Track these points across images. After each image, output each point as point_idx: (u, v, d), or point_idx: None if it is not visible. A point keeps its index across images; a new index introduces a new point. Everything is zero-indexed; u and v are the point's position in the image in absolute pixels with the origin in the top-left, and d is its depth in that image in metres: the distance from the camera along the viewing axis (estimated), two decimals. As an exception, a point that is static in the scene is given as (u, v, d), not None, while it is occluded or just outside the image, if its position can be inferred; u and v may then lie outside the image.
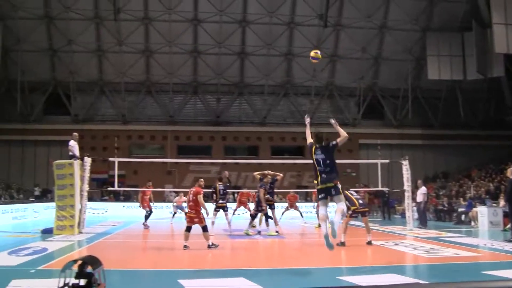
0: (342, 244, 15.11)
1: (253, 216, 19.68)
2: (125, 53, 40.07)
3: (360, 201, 16.00)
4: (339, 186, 11.46)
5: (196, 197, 14.71)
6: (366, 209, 16.32)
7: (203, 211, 14.81)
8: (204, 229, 14.63)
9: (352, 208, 15.59)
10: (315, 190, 11.79)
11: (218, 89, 42.41)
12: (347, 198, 15.67)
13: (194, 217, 14.63)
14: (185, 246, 14.30)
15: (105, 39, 39.72)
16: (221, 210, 19.69)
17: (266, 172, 19.78)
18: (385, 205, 32.00)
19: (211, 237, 14.81)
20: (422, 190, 24.37)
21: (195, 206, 14.70)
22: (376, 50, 41.57)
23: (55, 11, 37.96)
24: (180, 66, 41.01)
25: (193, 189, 15.08)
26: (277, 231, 19.20)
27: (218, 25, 39.19)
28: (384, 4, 39.29)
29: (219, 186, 19.57)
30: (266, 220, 19.04)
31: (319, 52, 14.00)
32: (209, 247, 14.35)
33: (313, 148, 11.94)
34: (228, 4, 38.17)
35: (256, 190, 20.69)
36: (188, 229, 14.71)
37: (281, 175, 20.21)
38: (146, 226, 23.07)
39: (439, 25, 39.66)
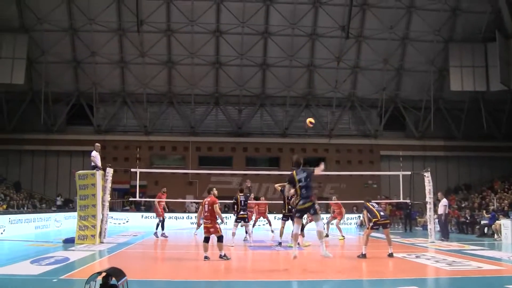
0: (363, 256, 15.03)
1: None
2: (148, 65, 40.33)
3: (382, 213, 15.87)
4: (316, 205, 12.96)
5: (212, 207, 14.66)
6: (388, 221, 16.17)
7: (218, 220, 14.81)
8: (220, 239, 14.62)
9: (374, 220, 15.52)
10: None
11: (239, 100, 42.46)
12: (369, 210, 15.63)
13: (210, 227, 14.61)
14: (206, 257, 14.29)
15: (128, 51, 40.07)
16: (242, 221, 19.67)
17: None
18: (407, 217, 31.72)
19: (230, 248, 14.77)
20: (443, 202, 24.11)
21: (210, 216, 14.65)
22: (398, 61, 41.39)
23: (79, 23, 38.41)
24: (202, 78, 41.18)
25: (208, 199, 15.02)
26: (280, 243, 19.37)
27: (240, 36, 39.31)
28: (406, 15, 39.15)
29: (240, 197, 19.56)
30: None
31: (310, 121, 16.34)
32: (220, 257, 14.33)
33: (294, 172, 12.85)
34: (250, 15, 38.29)
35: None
36: (207, 239, 14.71)
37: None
38: (164, 236, 23.15)
39: (462, 36, 39.43)
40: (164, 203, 24.17)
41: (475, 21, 38.62)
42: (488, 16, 37.91)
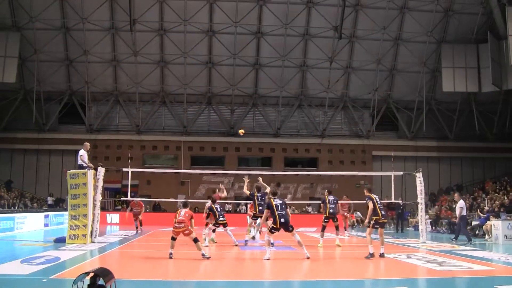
0: (372, 255, 14.94)
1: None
2: (140, 64, 40.26)
3: (383, 212, 15.75)
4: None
5: (190, 218, 15.04)
6: (386, 221, 16.13)
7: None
8: (195, 240, 14.75)
9: (375, 218, 15.40)
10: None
11: (232, 100, 42.41)
12: (373, 204, 15.45)
13: (184, 230, 14.85)
14: (171, 254, 14.76)
15: (120, 50, 40.01)
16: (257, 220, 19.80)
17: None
18: (399, 218, 31.76)
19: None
20: (460, 204, 22.64)
21: (185, 221, 14.87)
22: (390, 62, 41.50)
23: (71, 21, 38.32)
24: (195, 77, 41.14)
25: (187, 209, 15.35)
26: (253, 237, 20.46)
27: (233, 36, 39.29)
28: (399, 16, 39.26)
29: (258, 194, 19.43)
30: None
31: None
32: (203, 256, 14.47)
33: (272, 200, 15.01)
34: (243, 15, 38.29)
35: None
36: (174, 238, 15.02)
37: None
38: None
39: (454, 37, 39.59)
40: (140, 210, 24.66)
41: (467, 22, 38.83)
42: (480, 18, 38.12)
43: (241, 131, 20.70)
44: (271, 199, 14.98)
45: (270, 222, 15.75)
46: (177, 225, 14.86)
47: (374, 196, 15.69)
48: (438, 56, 40.61)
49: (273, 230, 14.84)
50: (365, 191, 16.22)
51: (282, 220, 14.56)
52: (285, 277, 12.23)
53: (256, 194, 19.28)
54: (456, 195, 24.56)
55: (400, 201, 27.43)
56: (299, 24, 39.33)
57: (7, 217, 25.52)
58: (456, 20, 39.06)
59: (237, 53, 39.98)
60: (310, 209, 40.16)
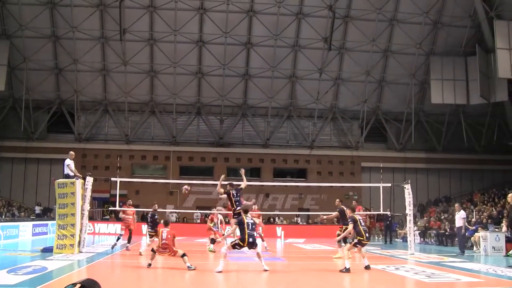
0: (347, 270, 14.87)
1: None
2: (130, 73, 40.24)
3: (367, 234, 15.67)
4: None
5: (173, 238, 15.09)
6: (368, 242, 16.05)
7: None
8: (183, 255, 14.72)
9: (359, 238, 15.30)
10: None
11: (221, 111, 42.43)
12: (355, 225, 15.35)
13: (169, 254, 14.99)
14: (149, 264, 14.92)
15: (110, 59, 39.97)
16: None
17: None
18: (388, 229, 31.73)
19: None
20: (461, 214, 22.65)
21: (169, 245, 14.93)
22: (380, 73, 41.73)
23: (61, 30, 38.29)
24: (184, 87, 41.16)
25: (168, 229, 15.26)
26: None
27: (223, 46, 39.37)
28: (388, 28, 39.52)
29: (233, 191, 19.29)
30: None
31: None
32: (189, 268, 14.37)
33: (244, 218, 14.83)
34: (233, 26, 38.41)
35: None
36: (154, 250, 15.14)
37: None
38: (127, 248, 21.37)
39: (443, 50, 39.93)
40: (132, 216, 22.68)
41: (456, 35, 39.18)
42: (468, 31, 38.50)
43: (185, 188, 21.37)
44: (244, 216, 14.91)
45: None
46: (162, 250, 14.93)
47: (357, 217, 15.58)
48: (427, 68, 40.87)
49: (237, 247, 14.56)
50: (348, 211, 16.26)
51: (251, 240, 14.38)
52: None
53: (231, 192, 19.10)
54: (456, 205, 24.36)
55: (388, 213, 27.37)
56: (289, 35, 39.47)
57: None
58: (445, 33, 39.38)
59: (226, 64, 40.07)
60: (299, 220, 40.18)
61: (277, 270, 15.62)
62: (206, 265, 16.52)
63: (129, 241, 21.65)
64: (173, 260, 15.26)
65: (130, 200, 22.65)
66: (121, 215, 22.77)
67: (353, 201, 27.86)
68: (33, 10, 36.82)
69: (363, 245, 15.60)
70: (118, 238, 22.05)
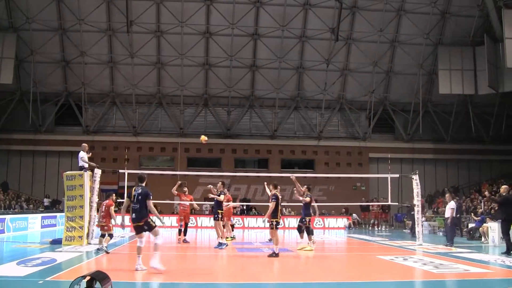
0: (277, 255, 15.68)
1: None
2: (137, 65, 40.24)
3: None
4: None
5: (108, 208, 16.88)
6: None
7: (112, 221, 16.98)
8: (110, 236, 16.93)
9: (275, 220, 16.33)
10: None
11: (229, 102, 42.38)
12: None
13: (104, 225, 16.83)
14: (99, 249, 16.48)
15: (117, 51, 39.98)
16: None
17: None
18: (413, 220, 30.86)
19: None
20: (451, 204, 22.20)
21: (105, 216, 16.85)
22: (387, 64, 41.56)
23: (68, 23, 38.29)
24: (191, 79, 41.13)
25: (106, 201, 17.10)
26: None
27: (230, 38, 39.29)
28: (396, 18, 39.32)
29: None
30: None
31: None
32: (97, 249, 16.30)
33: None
34: (240, 17, 38.31)
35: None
36: (103, 235, 16.75)
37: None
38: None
39: (451, 39, 39.68)
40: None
41: (464, 25, 38.89)
42: (476, 20, 38.18)
43: (203, 138, 21.19)
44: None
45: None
46: (101, 220, 17.29)
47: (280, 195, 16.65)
48: (434, 58, 40.66)
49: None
50: (271, 187, 17.02)
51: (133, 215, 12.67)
52: (278, 280, 12.21)
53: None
54: (447, 195, 24.21)
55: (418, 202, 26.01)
56: (296, 26, 39.35)
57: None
58: (452, 23, 39.12)
59: (234, 55, 39.98)
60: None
61: (285, 261, 15.64)
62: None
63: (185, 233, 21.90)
64: (180, 251, 15.25)
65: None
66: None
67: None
68: (40, 3, 36.79)
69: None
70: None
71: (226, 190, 23.43)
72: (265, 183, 19.44)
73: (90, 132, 41.45)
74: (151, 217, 12.59)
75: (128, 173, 21.89)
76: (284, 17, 38.53)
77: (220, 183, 19.96)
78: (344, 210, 38.06)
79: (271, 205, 16.09)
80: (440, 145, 43.15)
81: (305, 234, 19.27)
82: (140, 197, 12.42)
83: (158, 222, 13.17)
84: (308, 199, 18.78)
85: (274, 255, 15.67)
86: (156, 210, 12.75)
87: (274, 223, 16.14)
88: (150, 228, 12.45)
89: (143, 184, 12.95)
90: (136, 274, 11.96)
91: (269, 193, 18.65)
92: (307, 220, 19.07)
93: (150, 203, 12.47)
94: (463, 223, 28.41)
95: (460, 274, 12.63)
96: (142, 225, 12.36)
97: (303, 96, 42.88)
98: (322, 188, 41.79)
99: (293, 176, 20.20)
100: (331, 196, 39.96)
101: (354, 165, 42.81)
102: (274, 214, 16.13)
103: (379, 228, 35.14)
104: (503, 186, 19.27)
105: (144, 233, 12.47)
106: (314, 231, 23.14)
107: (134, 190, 12.73)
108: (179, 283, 11.50)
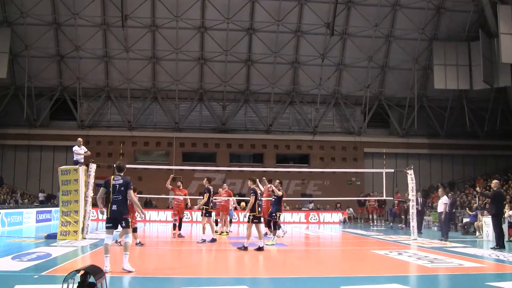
0: (245, 248, 15.81)
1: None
2: (132, 60, 40.16)
3: (259, 209, 16.77)
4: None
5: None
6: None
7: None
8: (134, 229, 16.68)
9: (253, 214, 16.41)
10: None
11: (224, 96, 42.35)
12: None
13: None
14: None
15: (112, 46, 39.87)
16: None
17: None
18: (419, 216, 30.81)
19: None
20: (444, 199, 22.38)
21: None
22: (382, 59, 41.61)
23: (63, 17, 38.17)
24: (187, 73, 41.09)
25: None
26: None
27: (225, 32, 39.24)
28: (391, 13, 39.34)
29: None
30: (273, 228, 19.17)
31: None
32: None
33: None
34: (235, 11, 38.26)
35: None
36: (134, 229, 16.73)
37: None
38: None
39: (446, 35, 39.74)
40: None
41: (459, 20, 38.96)
42: (471, 15, 38.29)
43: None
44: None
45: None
46: None
47: (258, 190, 16.87)
48: (430, 54, 40.72)
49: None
50: (249, 182, 17.23)
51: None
52: (274, 274, 12.23)
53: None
54: (440, 190, 24.35)
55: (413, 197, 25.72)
56: (291, 21, 39.32)
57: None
58: (447, 18, 39.18)
59: (229, 50, 39.95)
60: (311, 206, 39.94)
61: (279, 255, 15.66)
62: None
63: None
64: (174, 246, 15.28)
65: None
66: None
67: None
68: (34, -3, 36.71)
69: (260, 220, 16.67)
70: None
71: (225, 185, 23.65)
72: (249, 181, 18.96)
73: (85, 127, 41.36)
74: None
75: (123, 168, 21.82)
76: (280, 11, 38.49)
77: (205, 179, 19.83)
78: (339, 205, 38.00)
79: (251, 199, 16.19)
80: (435, 140, 43.22)
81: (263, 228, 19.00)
82: (122, 187, 11.95)
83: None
84: (281, 193, 18.74)
85: (243, 248, 15.80)
86: (137, 201, 12.56)
87: (251, 217, 16.29)
88: (127, 225, 12.17)
89: (122, 174, 12.37)
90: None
91: (262, 189, 18.80)
92: (278, 216, 19.04)
93: (132, 193, 12.16)
94: (457, 218, 28.48)
95: (454, 269, 12.67)
96: (121, 220, 12.06)
97: (298, 91, 42.88)
98: (317, 183, 41.87)
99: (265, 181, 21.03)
100: (326, 191, 40.06)
101: (349, 160, 42.87)
102: (252, 209, 16.22)
103: (377, 223, 35.12)
104: (494, 181, 19.34)
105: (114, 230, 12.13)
106: (310, 226, 23.28)
107: (113, 179, 12.13)
108: (174, 277, 11.51)
